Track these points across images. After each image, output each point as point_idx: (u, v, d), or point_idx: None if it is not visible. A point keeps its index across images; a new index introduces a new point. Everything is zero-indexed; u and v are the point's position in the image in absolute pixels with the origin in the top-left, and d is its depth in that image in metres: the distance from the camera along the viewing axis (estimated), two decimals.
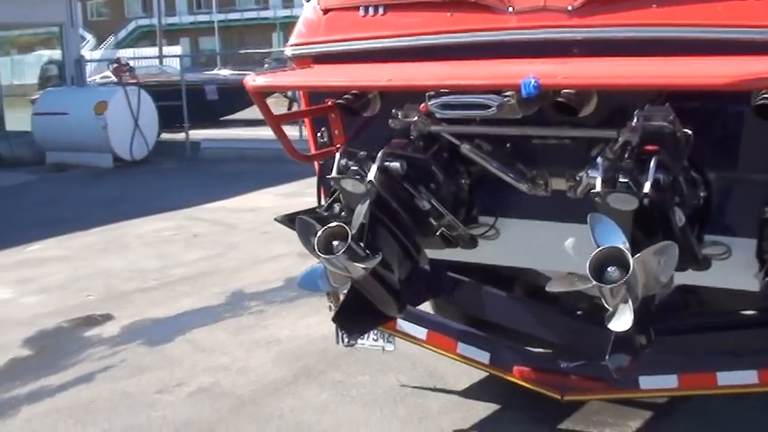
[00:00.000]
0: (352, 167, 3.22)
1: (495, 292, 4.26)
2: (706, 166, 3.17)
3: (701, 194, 3.15)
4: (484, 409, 4.29)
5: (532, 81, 2.72)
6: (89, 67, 19.99)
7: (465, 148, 3.42)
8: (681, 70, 2.69)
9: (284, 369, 4.94)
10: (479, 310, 4.48)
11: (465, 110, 2.95)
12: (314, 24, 3.85)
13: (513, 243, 3.64)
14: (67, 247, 8.39)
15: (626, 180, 2.71)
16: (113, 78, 15.82)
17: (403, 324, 4.12)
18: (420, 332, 4.08)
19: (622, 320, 2.61)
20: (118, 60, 16.70)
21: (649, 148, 2.93)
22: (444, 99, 2.98)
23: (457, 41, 3.45)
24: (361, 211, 3.22)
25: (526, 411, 4.15)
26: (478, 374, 4.43)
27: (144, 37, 43.72)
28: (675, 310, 4.13)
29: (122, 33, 45.87)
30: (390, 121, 3.46)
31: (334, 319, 3.32)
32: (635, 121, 2.94)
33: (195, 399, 4.59)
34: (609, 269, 2.61)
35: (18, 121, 16.34)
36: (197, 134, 15.80)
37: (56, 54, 17.83)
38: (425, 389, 4.57)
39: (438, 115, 3.07)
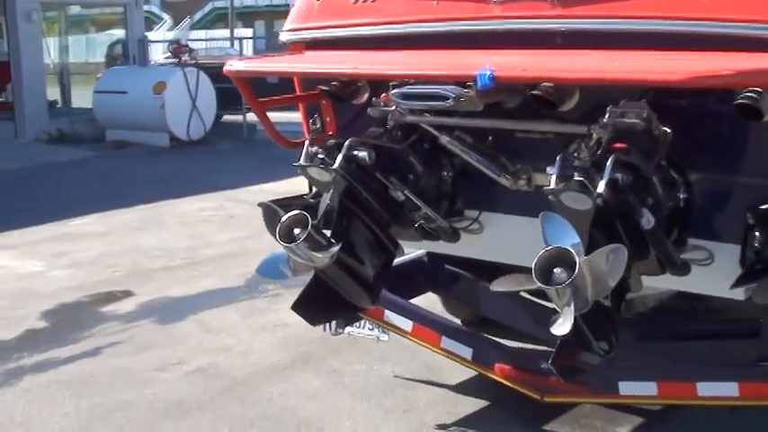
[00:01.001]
0: (318, 155, 3.20)
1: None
2: (688, 166, 3.06)
3: (681, 196, 3.04)
4: (471, 404, 4.24)
5: (488, 73, 2.67)
6: (158, 48, 20.39)
7: (444, 140, 3.37)
8: (635, 66, 2.60)
9: (284, 354, 4.96)
10: (476, 306, 4.43)
11: (424, 100, 2.90)
12: (308, 10, 3.83)
13: (497, 238, 3.58)
14: (107, 224, 8.56)
15: (581, 178, 2.63)
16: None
17: (390, 315, 4.10)
18: (406, 324, 4.05)
19: (562, 325, 2.53)
20: (177, 41, 16.93)
21: (618, 145, 2.84)
22: (404, 89, 2.94)
23: (440, 30, 3.41)
24: (325, 199, 3.21)
25: (513, 410, 4.08)
26: None
27: (220, 19, 44.24)
28: (673, 316, 4.03)
29: (198, 15, 46.45)
30: (369, 109, 3.43)
31: (293, 308, 3.31)
32: (607, 117, 2.84)
33: (191, 378, 4.65)
34: (556, 270, 2.54)
35: (84, 98, 16.73)
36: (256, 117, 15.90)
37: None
38: (418, 381, 4.53)
39: (401, 105, 3.03)
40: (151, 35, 18.53)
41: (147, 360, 4.91)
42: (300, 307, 3.29)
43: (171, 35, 36.34)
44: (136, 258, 7.21)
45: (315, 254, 3.08)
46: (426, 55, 3.28)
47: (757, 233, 2.94)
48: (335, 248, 3.13)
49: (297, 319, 4.10)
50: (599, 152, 2.86)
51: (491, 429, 3.98)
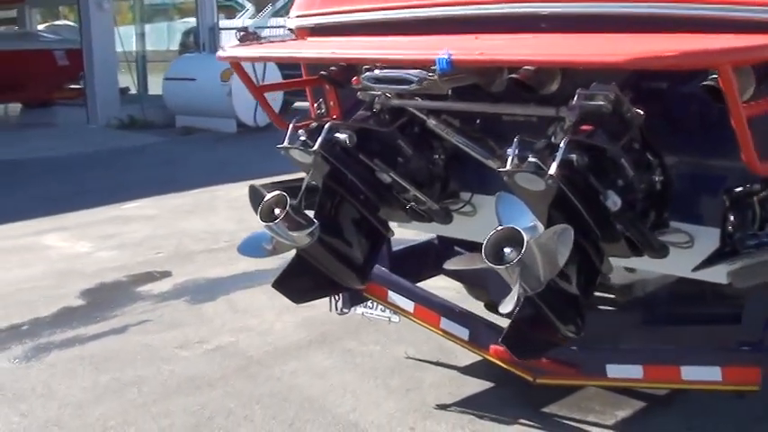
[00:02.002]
0: (300, 137, 3.27)
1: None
2: (664, 149, 3.02)
3: (657, 179, 3.01)
4: (476, 386, 4.26)
5: (446, 57, 2.68)
6: (232, 36, 20.72)
7: (431, 123, 3.40)
8: (580, 49, 2.58)
9: (303, 334, 5.06)
10: (483, 288, 4.44)
11: (391, 84, 2.94)
12: None
13: (491, 220, 3.59)
14: (160, 207, 8.81)
15: (534, 159, 2.63)
16: None
17: (393, 296, 4.15)
18: (408, 305, 4.09)
19: (508, 303, 2.55)
20: (246, 29, 17.18)
21: (584, 128, 2.83)
22: (374, 73, 2.97)
23: (432, 15, 3.43)
24: (306, 180, 3.28)
25: (516, 393, 4.09)
26: None
27: None
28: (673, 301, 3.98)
29: (280, 2, 47.04)
30: (359, 93, 3.47)
31: (273, 285, 3.40)
32: (575, 100, 2.83)
33: (209, 356, 4.78)
34: (506, 250, 2.56)
35: (159, 85, 17.17)
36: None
37: None
38: (429, 362, 4.57)
39: (370, 89, 3.07)
40: (223, 23, 18.81)
41: (170, 338, 5.07)
42: (281, 285, 3.37)
43: (250, 23, 36.91)
44: (181, 241, 7.41)
45: (293, 233, 3.16)
46: (407, 40, 3.31)
47: (732, 216, 2.90)
48: (314, 228, 3.20)
49: (321, 300, 4.29)
50: (564, 134, 2.87)
51: (489, 411, 3.99)
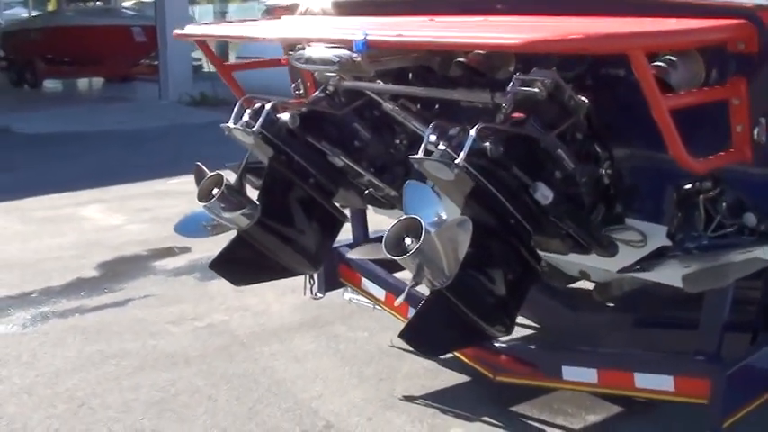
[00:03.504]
0: (243, 118, 3.21)
1: None
2: (613, 140, 2.85)
3: (605, 171, 2.84)
4: (450, 379, 4.14)
5: (362, 39, 2.59)
6: None
7: (387, 107, 3.30)
8: (489, 31, 2.44)
9: (297, 316, 5.02)
10: None
11: (315, 64, 2.84)
12: None
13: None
14: None
15: (444, 148, 2.51)
16: None
17: (367, 283, 4.07)
18: (380, 293, 4.01)
19: (400, 297, 2.44)
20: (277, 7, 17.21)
21: (516, 115, 2.69)
22: (300, 52, 2.89)
23: None
24: (243, 161, 3.22)
25: (490, 390, 3.95)
26: None
27: None
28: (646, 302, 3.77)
29: None
30: (316, 73, 3.40)
31: (210, 266, 3.35)
32: (510, 85, 2.69)
33: (196, 333, 4.79)
34: (406, 240, 2.44)
35: None
36: None
37: None
38: (410, 352, 4.46)
39: (299, 67, 2.98)
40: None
41: (166, 313, 5.10)
42: (218, 266, 3.33)
43: None
44: None
45: (227, 214, 3.11)
46: (365, 20, 3.22)
47: (677, 215, 2.72)
48: (251, 210, 3.14)
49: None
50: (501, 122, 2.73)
51: (455, 405, 3.87)
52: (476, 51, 2.97)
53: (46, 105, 15.61)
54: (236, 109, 3.24)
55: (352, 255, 2.80)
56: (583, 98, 2.73)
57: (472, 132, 2.47)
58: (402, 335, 2.66)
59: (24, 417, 3.81)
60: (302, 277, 4.89)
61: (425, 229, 2.36)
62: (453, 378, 4.16)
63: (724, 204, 2.63)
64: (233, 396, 4.01)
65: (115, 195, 8.34)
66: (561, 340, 3.88)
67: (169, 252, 6.41)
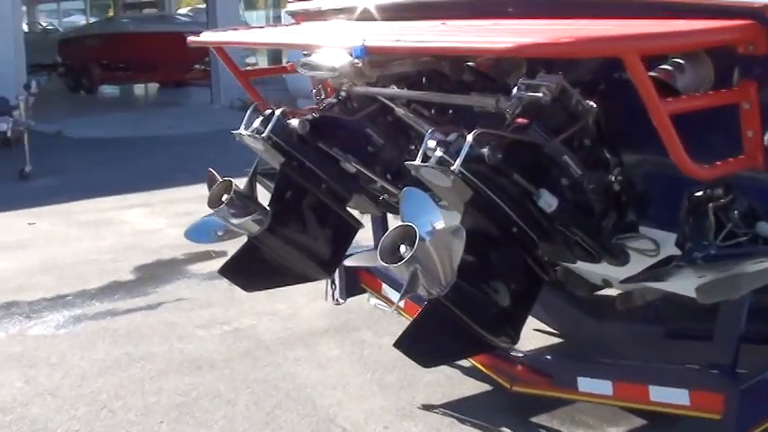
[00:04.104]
0: (254, 124, 3.21)
1: None
2: (628, 146, 2.78)
3: (615, 178, 2.77)
4: (472, 388, 4.08)
5: (361, 45, 2.57)
6: None
7: (399, 112, 3.27)
8: (473, 37, 2.39)
9: (324, 322, 5.01)
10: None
11: (316, 70, 2.82)
12: None
13: None
14: None
15: (440, 154, 2.46)
16: None
17: (387, 289, 4.04)
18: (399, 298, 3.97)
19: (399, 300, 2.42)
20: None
21: (520, 120, 2.64)
22: (304, 59, 2.87)
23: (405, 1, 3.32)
24: (253, 167, 3.22)
25: (511, 399, 3.87)
26: None
27: None
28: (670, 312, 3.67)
29: None
30: (329, 79, 3.38)
31: (219, 272, 3.35)
32: (515, 90, 2.65)
33: (223, 338, 4.81)
34: (401, 248, 2.41)
35: None
36: None
37: None
38: None
39: (303, 73, 2.97)
40: None
41: (196, 317, 5.14)
42: (228, 271, 3.33)
43: None
44: None
45: (236, 220, 3.11)
46: (377, 25, 3.20)
47: (687, 223, 2.64)
48: (261, 216, 3.14)
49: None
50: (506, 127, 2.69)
51: (475, 415, 3.81)
52: (485, 56, 2.93)
53: (100, 110, 15.91)
54: (247, 115, 3.24)
55: (349, 262, 2.77)
56: (591, 103, 2.67)
57: (469, 138, 2.43)
58: (398, 344, 2.62)
59: (46, 418, 3.86)
60: None
61: (420, 237, 2.32)
62: (476, 387, 4.10)
63: (736, 212, 2.54)
64: (252, 401, 4.01)
65: (160, 199, 8.45)
66: (584, 350, 3.79)
67: (206, 256, 6.44)
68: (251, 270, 3.35)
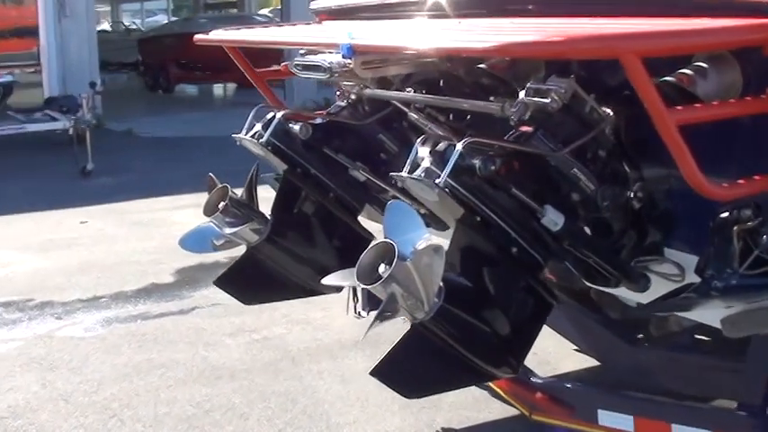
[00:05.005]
0: (255, 128, 3.04)
1: None
2: (649, 160, 2.51)
3: (635, 194, 2.50)
4: (497, 412, 3.83)
5: (347, 43, 2.37)
6: None
7: (412, 117, 3.05)
8: (462, 37, 2.16)
9: (356, 333, 4.80)
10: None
11: (308, 71, 2.63)
12: None
13: None
14: None
15: (428, 165, 2.24)
16: None
17: None
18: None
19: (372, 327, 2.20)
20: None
21: (524, 128, 2.40)
22: (297, 59, 2.69)
23: None
24: (250, 173, 3.05)
25: (537, 428, 3.63)
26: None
27: None
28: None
29: None
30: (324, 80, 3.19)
31: (215, 283, 3.18)
32: (522, 94, 2.40)
33: (250, 346, 4.67)
34: (380, 268, 2.19)
35: None
36: None
37: None
38: None
39: (297, 74, 2.78)
40: None
41: (227, 324, 5.01)
42: (224, 283, 3.16)
43: None
44: None
45: (230, 229, 2.94)
46: (390, 24, 3.01)
47: (710, 248, 2.35)
48: (259, 224, 2.96)
49: None
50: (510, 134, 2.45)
51: None
52: (498, 58, 2.69)
53: (174, 110, 16.04)
54: (249, 118, 3.07)
55: (325, 281, 2.57)
56: (609, 110, 2.41)
57: (459, 147, 2.20)
58: (375, 372, 2.40)
59: (54, 425, 3.77)
60: None
61: (399, 255, 2.11)
62: (503, 411, 3.84)
63: (765, 237, 2.24)
64: (265, 416, 3.85)
65: None
66: (610, 378, 3.51)
67: None
68: (250, 282, 3.18)
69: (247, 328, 4.94)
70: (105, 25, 25.47)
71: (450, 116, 3.03)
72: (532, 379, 3.29)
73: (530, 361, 4.24)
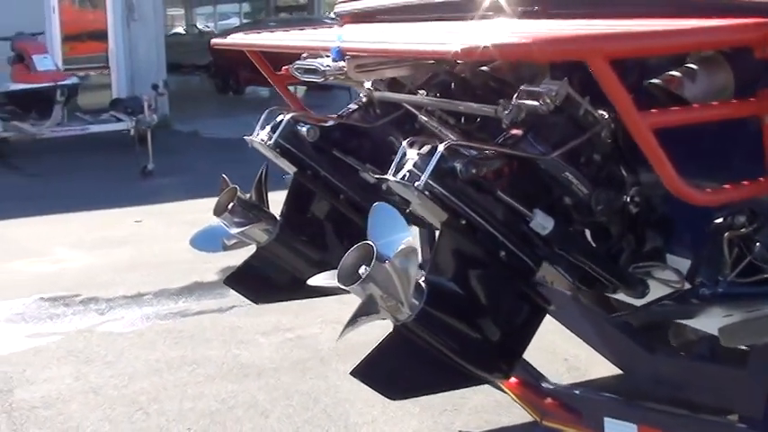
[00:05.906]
0: (262, 129, 3.08)
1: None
2: (644, 165, 2.47)
3: (631, 199, 2.47)
4: (519, 416, 3.78)
5: (336, 46, 2.39)
6: None
7: (422, 120, 3.06)
8: (431, 40, 2.15)
9: (384, 334, 4.82)
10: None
11: (309, 74, 2.65)
12: None
13: None
14: None
15: (411, 167, 2.24)
16: None
17: None
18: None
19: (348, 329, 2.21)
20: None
21: (514, 131, 2.39)
22: (298, 63, 2.71)
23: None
24: (259, 174, 3.10)
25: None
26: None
27: None
28: None
29: None
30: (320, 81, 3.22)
31: (225, 282, 3.23)
32: (515, 97, 2.40)
33: (281, 346, 4.73)
34: (361, 269, 2.20)
35: None
36: None
37: None
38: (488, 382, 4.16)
39: (297, 77, 2.81)
40: None
41: (263, 323, 5.07)
42: (235, 282, 3.22)
43: None
44: None
45: (239, 229, 2.99)
46: (408, 27, 3.02)
47: (704, 254, 2.31)
48: (267, 225, 3.01)
49: None
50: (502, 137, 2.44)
51: None
52: (500, 60, 2.68)
53: (242, 112, 16.24)
54: (260, 120, 3.12)
55: (310, 282, 2.59)
56: (604, 113, 2.38)
57: (440, 148, 2.20)
58: (356, 372, 2.41)
59: (81, 416, 3.89)
60: None
61: (377, 256, 2.12)
62: (523, 415, 3.79)
63: (759, 244, 2.18)
64: (286, 414, 3.90)
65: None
66: (624, 386, 3.45)
67: None
68: (260, 281, 3.22)
69: (282, 328, 5.00)
70: (179, 28, 26.00)
71: (462, 119, 3.03)
72: (543, 384, 3.25)
73: (560, 367, 4.28)
